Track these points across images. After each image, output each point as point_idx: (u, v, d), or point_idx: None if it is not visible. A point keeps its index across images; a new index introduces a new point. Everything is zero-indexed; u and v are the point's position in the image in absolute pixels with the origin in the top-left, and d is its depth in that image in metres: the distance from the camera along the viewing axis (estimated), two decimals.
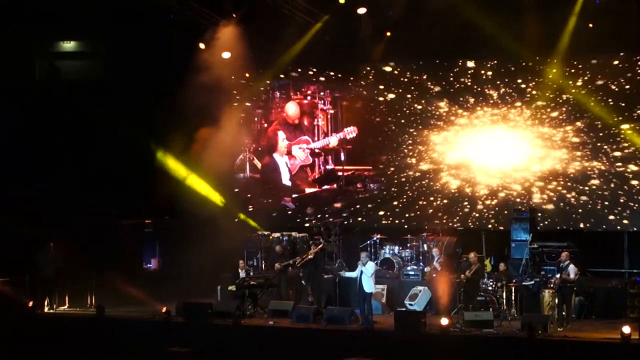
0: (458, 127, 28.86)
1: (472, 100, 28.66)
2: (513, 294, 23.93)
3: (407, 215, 29.26)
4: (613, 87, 27.25)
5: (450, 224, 28.30)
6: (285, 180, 30.84)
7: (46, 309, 25.36)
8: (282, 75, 30.39)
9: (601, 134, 27.35)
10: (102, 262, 25.72)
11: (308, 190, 30.69)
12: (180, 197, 27.97)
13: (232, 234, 28.14)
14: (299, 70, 30.18)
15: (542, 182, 27.86)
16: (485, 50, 27.67)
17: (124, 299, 25.70)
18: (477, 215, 28.51)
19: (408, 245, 27.41)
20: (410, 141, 29.38)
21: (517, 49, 26.95)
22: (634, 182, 27.00)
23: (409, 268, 26.63)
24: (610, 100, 27.17)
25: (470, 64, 28.71)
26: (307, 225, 29.81)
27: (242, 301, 24.74)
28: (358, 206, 30.10)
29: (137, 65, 28.14)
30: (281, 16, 28.14)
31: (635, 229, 26.71)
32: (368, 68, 29.61)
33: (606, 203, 27.16)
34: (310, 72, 30.34)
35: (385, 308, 25.49)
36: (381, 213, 29.66)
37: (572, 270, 22.99)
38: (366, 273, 23.54)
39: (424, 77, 29.17)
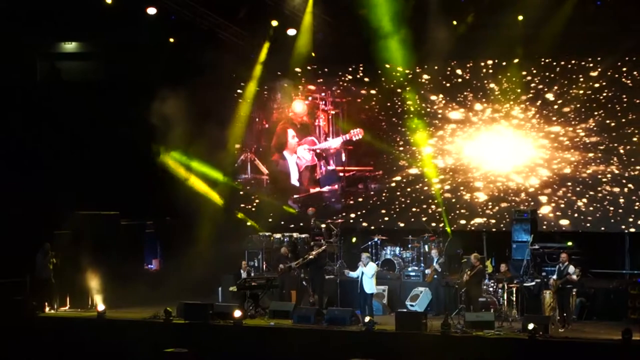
0: (459, 126, 28.90)
1: (471, 97, 28.71)
2: (514, 295, 23.92)
3: (408, 215, 29.25)
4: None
5: (451, 225, 28.24)
6: (294, 180, 30.87)
7: (47, 310, 25.33)
8: (279, 73, 30.36)
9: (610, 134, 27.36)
10: (103, 263, 25.67)
11: (312, 190, 30.68)
12: (181, 197, 27.93)
13: (232, 235, 28.17)
14: (299, 70, 30.16)
15: (543, 182, 27.87)
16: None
17: (125, 300, 25.71)
18: (478, 215, 28.48)
19: (409, 246, 27.44)
20: (412, 140, 29.33)
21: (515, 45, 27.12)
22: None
23: (410, 269, 26.64)
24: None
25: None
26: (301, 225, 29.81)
27: (243, 302, 24.74)
28: (359, 207, 30.11)
29: (137, 66, 28.14)
30: (282, 16, 28.21)
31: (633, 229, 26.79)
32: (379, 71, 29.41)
33: (606, 203, 27.19)
34: (312, 70, 30.36)
35: (387, 309, 25.51)
36: (382, 212, 29.66)
37: (572, 271, 22.98)
38: (367, 274, 23.60)
39: (426, 76, 29.24)
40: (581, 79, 27.56)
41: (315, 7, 28.03)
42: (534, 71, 28.00)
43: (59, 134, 27.96)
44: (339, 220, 28.77)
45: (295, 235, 28.32)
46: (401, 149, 29.57)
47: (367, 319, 22.53)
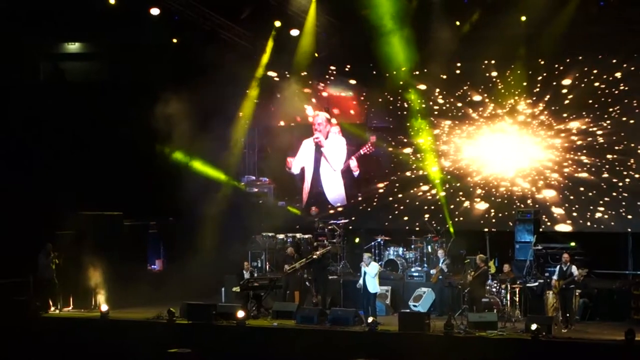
0: (460, 126, 28.94)
1: (472, 97, 28.68)
2: (517, 296, 23.91)
3: (411, 216, 29.23)
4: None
5: (454, 225, 28.23)
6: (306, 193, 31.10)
7: (52, 310, 25.35)
8: (286, 74, 30.36)
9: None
10: (106, 264, 25.69)
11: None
12: (184, 198, 27.93)
13: (235, 235, 28.19)
14: (303, 70, 30.17)
15: (546, 183, 27.85)
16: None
17: (128, 300, 25.73)
18: (486, 196, 28.54)
19: (412, 246, 27.44)
20: (415, 141, 29.34)
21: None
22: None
23: (413, 269, 26.65)
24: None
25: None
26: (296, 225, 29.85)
27: (246, 302, 24.76)
28: (363, 207, 30.12)
29: (141, 67, 28.16)
30: (286, 17, 28.23)
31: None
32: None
33: (609, 204, 27.18)
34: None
35: (390, 309, 25.52)
36: (385, 212, 29.65)
37: (575, 271, 22.97)
38: (369, 274, 23.63)
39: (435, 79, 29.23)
40: (581, 80, 27.55)
41: (319, 7, 28.04)
42: (536, 72, 27.92)
43: (62, 134, 27.96)
44: (343, 221, 28.77)
45: (298, 235, 28.34)
46: (404, 149, 29.55)
47: (370, 319, 22.54)
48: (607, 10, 26.33)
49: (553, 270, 24.08)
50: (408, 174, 29.61)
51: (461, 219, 28.53)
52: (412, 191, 29.45)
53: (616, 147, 27.23)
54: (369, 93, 30.14)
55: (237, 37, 29.32)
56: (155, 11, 27.22)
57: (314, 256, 25.32)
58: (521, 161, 28.33)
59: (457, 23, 27.54)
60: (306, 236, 28.28)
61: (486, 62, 28.38)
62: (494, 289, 24.19)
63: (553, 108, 27.92)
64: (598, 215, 27.26)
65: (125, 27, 27.49)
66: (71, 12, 27.26)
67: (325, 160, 30.59)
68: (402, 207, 29.56)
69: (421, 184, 29.36)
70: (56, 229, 26.14)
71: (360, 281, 24.05)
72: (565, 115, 27.82)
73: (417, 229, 28.61)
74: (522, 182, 28.26)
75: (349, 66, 30.06)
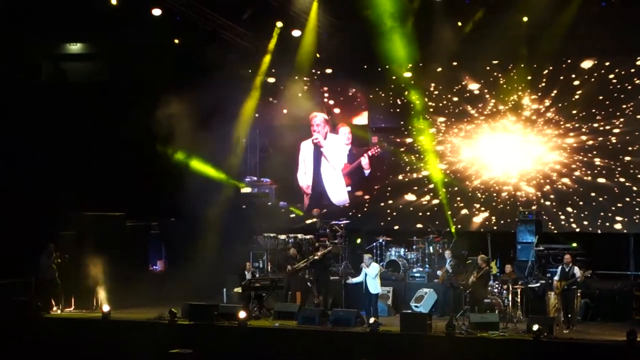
0: (472, 132, 28.74)
1: (485, 106, 28.41)
2: (519, 296, 23.89)
3: (412, 217, 29.21)
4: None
5: (456, 226, 28.20)
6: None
7: (55, 310, 25.35)
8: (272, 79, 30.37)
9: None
10: (108, 264, 25.69)
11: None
12: (186, 198, 27.92)
13: (237, 236, 28.18)
14: (305, 71, 30.15)
15: (547, 183, 27.76)
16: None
17: (130, 301, 25.73)
18: (486, 202, 28.38)
19: (414, 247, 27.42)
20: (417, 141, 29.27)
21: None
22: None
23: (414, 270, 26.64)
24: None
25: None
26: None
27: (247, 303, 24.76)
28: (364, 208, 30.12)
29: (142, 67, 28.16)
30: (287, 17, 28.22)
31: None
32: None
33: (610, 204, 27.11)
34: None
35: (391, 310, 25.52)
36: (387, 213, 29.63)
37: (577, 272, 22.95)
38: (370, 275, 23.62)
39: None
40: (574, 88, 27.24)
41: (320, 7, 28.04)
42: (541, 65, 27.61)
43: (63, 134, 27.95)
44: (344, 222, 28.76)
45: (300, 236, 28.32)
46: (406, 149, 29.52)
47: (371, 320, 22.54)
48: (609, 10, 26.22)
49: (555, 271, 24.09)
50: (407, 174, 29.52)
51: (459, 226, 28.22)
52: (412, 192, 29.38)
53: (630, 148, 26.78)
54: (370, 93, 30.10)
55: (238, 37, 29.32)
56: (156, 12, 27.21)
57: (315, 257, 25.32)
58: (525, 163, 27.96)
59: (459, 24, 27.48)
60: (308, 237, 28.26)
61: (488, 61, 28.16)
62: (496, 290, 24.19)
63: (560, 105, 27.43)
64: (610, 222, 26.85)
65: (127, 28, 27.49)
66: (73, 12, 27.26)
67: (325, 160, 30.56)
68: (402, 208, 29.49)
69: (421, 184, 29.23)
70: (58, 230, 26.16)
71: (355, 279, 24.03)
72: (575, 112, 27.26)
73: (421, 225, 28.54)
74: (526, 186, 27.92)
75: (350, 67, 29.99)
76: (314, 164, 30.70)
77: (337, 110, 30.59)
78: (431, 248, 26.99)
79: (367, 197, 30.25)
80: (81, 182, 27.03)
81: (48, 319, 24.82)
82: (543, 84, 27.65)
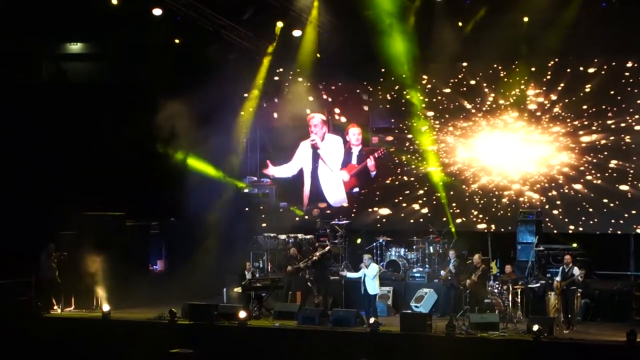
0: (469, 130, 28.57)
1: (483, 100, 28.17)
2: (519, 297, 23.89)
3: (412, 216, 29.21)
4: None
5: (458, 225, 28.15)
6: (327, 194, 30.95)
7: (56, 309, 25.36)
8: (290, 75, 30.32)
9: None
10: (108, 264, 25.70)
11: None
12: (186, 198, 27.93)
13: (237, 236, 28.19)
14: (306, 70, 30.14)
15: (547, 183, 27.69)
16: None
17: (130, 301, 25.73)
18: (484, 209, 28.21)
19: (414, 247, 27.41)
20: (417, 141, 29.17)
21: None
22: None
23: (414, 270, 26.63)
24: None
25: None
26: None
27: (247, 303, 24.77)
28: (364, 208, 30.12)
29: (143, 67, 28.17)
30: (288, 17, 28.23)
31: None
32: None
33: (611, 204, 27.00)
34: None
35: (391, 310, 25.52)
36: (389, 213, 29.62)
37: (577, 272, 22.95)
38: (369, 275, 23.62)
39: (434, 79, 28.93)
40: (584, 81, 26.80)
41: (321, 8, 28.04)
42: (541, 65, 27.32)
43: (64, 134, 27.98)
44: (344, 221, 28.76)
45: (300, 236, 28.33)
46: (406, 148, 29.49)
47: (371, 320, 22.53)
48: (610, 10, 26.12)
49: (555, 271, 24.09)
50: (406, 175, 29.48)
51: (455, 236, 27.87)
52: (411, 192, 29.37)
53: None
54: (371, 93, 30.09)
55: (239, 37, 29.30)
56: (157, 12, 27.22)
57: (314, 257, 25.32)
58: (528, 165, 27.53)
59: (460, 24, 27.46)
60: (308, 236, 28.26)
61: (489, 59, 27.83)
62: (496, 290, 24.20)
63: (566, 100, 26.84)
64: (624, 230, 26.32)
65: (127, 28, 27.53)
66: (73, 12, 27.29)
67: (322, 161, 30.53)
68: (404, 208, 29.49)
69: (422, 183, 29.16)
70: (58, 229, 26.17)
71: (351, 274, 24.08)
72: (585, 107, 26.49)
73: (421, 220, 28.47)
74: (529, 191, 27.58)
75: (351, 67, 29.95)
76: (312, 165, 30.66)
77: (337, 110, 30.53)
78: (431, 248, 26.99)
79: (364, 197, 30.21)
80: (81, 182, 27.04)
81: (48, 319, 24.84)
82: (548, 76, 26.89)
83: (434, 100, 28.46)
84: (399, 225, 29.10)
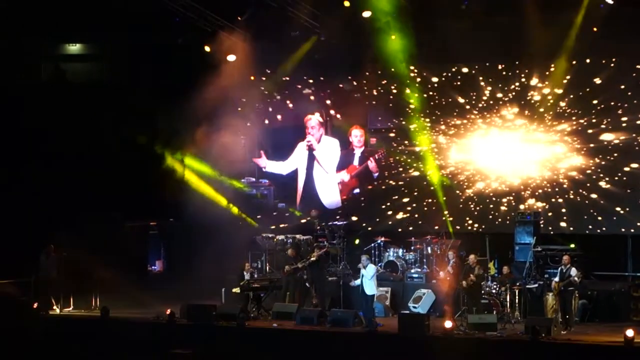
0: (462, 128, 28.47)
1: (480, 101, 27.98)
2: (517, 297, 23.95)
3: (411, 217, 29.23)
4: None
5: (455, 227, 28.15)
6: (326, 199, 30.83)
7: (55, 309, 25.40)
8: (286, 78, 30.34)
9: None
10: (106, 264, 25.74)
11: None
12: (185, 199, 27.96)
13: (236, 236, 28.21)
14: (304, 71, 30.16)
15: (547, 184, 27.65)
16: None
17: (129, 301, 25.77)
18: (481, 218, 28.15)
19: (412, 248, 27.43)
20: (415, 141, 29.08)
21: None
22: None
23: (412, 271, 26.66)
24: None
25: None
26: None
27: (246, 303, 24.80)
28: (363, 208, 30.13)
29: (142, 68, 28.20)
30: (286, 19, 28.25)
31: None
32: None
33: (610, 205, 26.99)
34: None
35: (389, 310, 25.56)
36: (386, 214, 29.65)
37: (574, 273, 23.00)
38: (366, 276, 23.64)
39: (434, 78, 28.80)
40: (587, 81, 26.17)
41: (319, 8, 28.05)
42: (538, 73, 27.22)
43: (63, 135, 28.00)
44: (342, 222, 28.78)
45: (298, 236, 28.34)
46: (404, 149, 29.49)
47: (370, 320, 22.57)
48: (612, 11, 25.92)
49: (553, 272, 24.12)
50: (405, 174, 29.49)
51: (457, 227, 27.70)
52: (412, 191, 29.39)
53: None
54: (369, 94, 30.09)
55: (239, 38, 29.30)
56: (157, 12, 27.23)
57: (312, 258, 25.36)
58: (529, 167, 27.00)
59: (460, 24, 27.45)
60: (306, 237, 28.29)
61: (489, 58, 27.63)
62: (494, 291, 24.24)
63: (572, 96, 26.03)
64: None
65: (127, 28, 27.54)
66: (73, 12, 27.31)
67: (318, 163, 30.52)
68: (401, 209, 29.50)
69: (418, 184, 29.12)
70: (58, 230, 26.19)
71: (357, 281, 24.08)
72: (595, 102, 25.45)
73: (420, 222, 28.45)
74: (530, 198, 27.11)
75: (349, 67, 29.95)
76: (307, 167, 30.63)
77: (334, 112, 30.53)
78: (429, 249, 27.01)
79: (363, 197, 30.23)
80: (80, 182, 27.07)
81: (48, 319, 24.88)
82: (552, 69, 25.92)
83: (425, 95, 27.70)
84: (397, 227, 29.12)
